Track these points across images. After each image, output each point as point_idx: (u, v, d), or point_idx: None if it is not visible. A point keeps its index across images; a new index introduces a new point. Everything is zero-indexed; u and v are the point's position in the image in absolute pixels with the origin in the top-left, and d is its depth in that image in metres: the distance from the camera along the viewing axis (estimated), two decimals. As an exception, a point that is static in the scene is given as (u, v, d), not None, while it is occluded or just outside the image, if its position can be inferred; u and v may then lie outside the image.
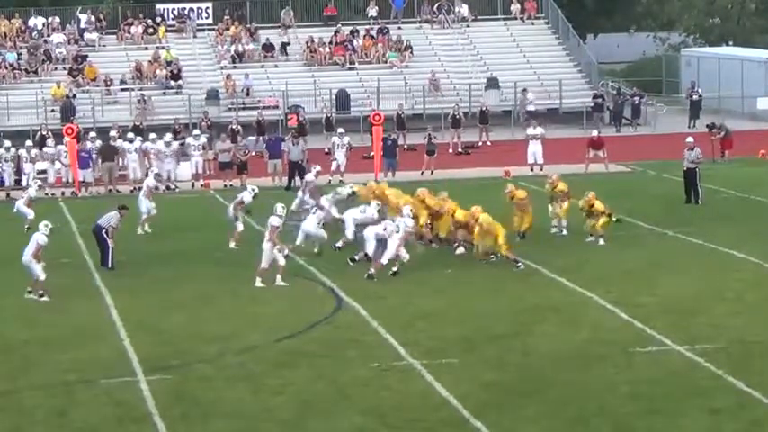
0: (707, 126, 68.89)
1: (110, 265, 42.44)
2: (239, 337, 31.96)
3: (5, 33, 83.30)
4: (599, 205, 44.22)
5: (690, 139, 50.29)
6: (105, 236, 42.63)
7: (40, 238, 38.20)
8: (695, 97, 78.88)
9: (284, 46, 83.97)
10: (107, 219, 43.03)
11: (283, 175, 61.21)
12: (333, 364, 30.11)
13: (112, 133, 64.46)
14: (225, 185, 60.14)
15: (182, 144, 62.87)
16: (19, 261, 38.79)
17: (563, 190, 46.08)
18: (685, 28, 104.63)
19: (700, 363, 30.85)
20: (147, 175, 59.83)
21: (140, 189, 55.59)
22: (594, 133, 65.44)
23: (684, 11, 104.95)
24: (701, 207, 51.52)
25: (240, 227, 45.52)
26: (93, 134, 64.62)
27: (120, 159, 62.25)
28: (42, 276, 37.92)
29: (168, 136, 63.54)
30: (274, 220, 37.99)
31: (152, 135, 63.88)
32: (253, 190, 47.01)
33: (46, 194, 59.41)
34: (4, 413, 28.62)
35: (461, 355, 31.08)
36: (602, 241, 43.89)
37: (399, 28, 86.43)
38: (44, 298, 37.95)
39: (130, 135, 64.07)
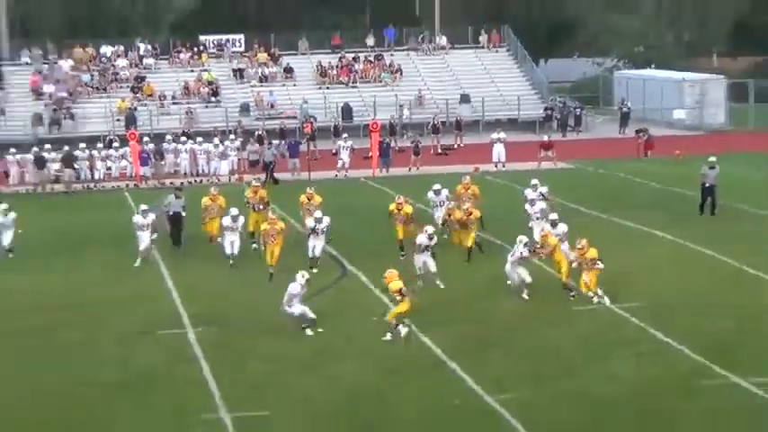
0: (635, 131, 69.25)
1: (182, 245, 41.88)
2: (267, 300, 32.00)
3: (82, 59, 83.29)
4: (593, 252, 33.07)
5: (712, 158, 46.26)
6: (182, 219, 42.15)
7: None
8: (625, 109, 78.85)
9: (299, 69, 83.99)
10: (178, 204, 42.28)
11: (301, 170, 61.88)
12: (341, 320, 30.30)
13: (167, 138, 64.72)
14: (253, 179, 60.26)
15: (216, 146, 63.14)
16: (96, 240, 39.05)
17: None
18: (617, 54, 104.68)
19: (627, 318, 31.09)
20: (196, 174, 60.70)
21: (190, 183, 56.23)
22: (545, 137, 65.52)
23: (616, 41, 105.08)
24: (629, 195, 51.64)
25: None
26: (146, 139, 64.76)
27: (173, 158, 62.58)
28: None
29: (216, 140, 63.91)
30: (294, 288, 30.31)
31: (199, 139, 64.35)
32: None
33: (113, 186, 59.71)
34: (81, 357, 28.84)
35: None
36: (607, 301, 32.68)
37: (392, 55, 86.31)
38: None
39: (183, 139, 64.35)
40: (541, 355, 27.79)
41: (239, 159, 63.26)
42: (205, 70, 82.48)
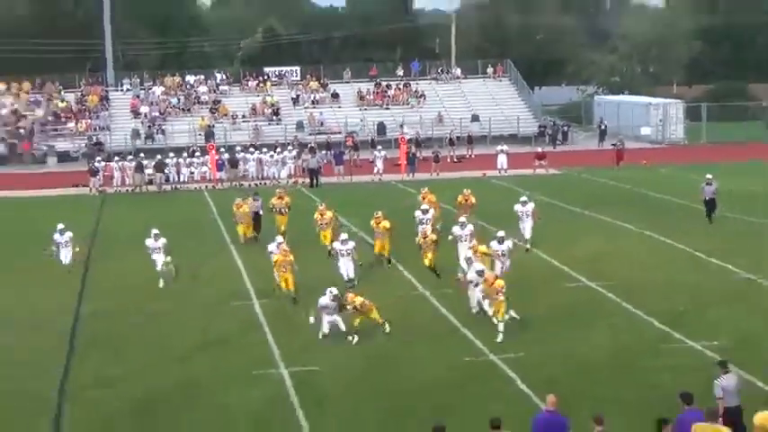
0: (612, 144, 69.11)
1: (259, 235, 40.71)
2: (315, 282, 31.80)
3: (171, 86, 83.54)
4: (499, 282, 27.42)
5: (709, 176, 43.98)
6: (260, 217, 41.54)
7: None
8: (603, 127, 78.68)
9: (344, 94, 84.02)
10: (257, 205, 41.62)
11: (345, 175, 62.07)
12: (371, 293, 30.14)
13: (238, 148, 64.97)
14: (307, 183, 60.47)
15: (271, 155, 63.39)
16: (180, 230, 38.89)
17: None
18: (597, 83, 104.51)
19: (604, 294, 31.02)
20: (261, 178, 60.84)
21: (257, 185, 56.38)
22: (539, 149, 65.48)
23: (596, 72, 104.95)
24: (606, 196, 51.50)
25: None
26: (222, 149, 65.01)
27: (242, 165, 62.83)
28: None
29: (277, 150, 64.28)
30: (323, 300, 26.95)
31: (264, 149, 64.71)
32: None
33: (195, 188, 59.98)
34: (163, 327, 28.88)
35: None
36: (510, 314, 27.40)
37: (417, 83, 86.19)
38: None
39: (251, 149, 64.61)
40: (534, 325, 27.73)
41: (295, 166, 63.38)
42: (268, 95, 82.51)
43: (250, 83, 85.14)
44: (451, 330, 27.62)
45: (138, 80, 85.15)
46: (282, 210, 40.86)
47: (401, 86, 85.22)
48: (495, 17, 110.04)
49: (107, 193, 58.98)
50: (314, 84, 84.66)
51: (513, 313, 27.27)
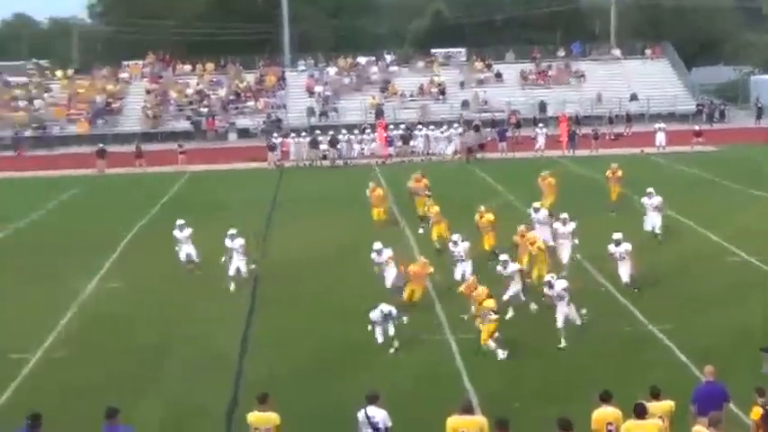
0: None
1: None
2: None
3: (344, 67, 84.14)
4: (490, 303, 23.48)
5: None
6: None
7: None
8: (759, 105, 76.78)
9: (507, 74, 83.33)
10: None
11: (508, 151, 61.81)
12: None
13: (402, 126, 65.30)
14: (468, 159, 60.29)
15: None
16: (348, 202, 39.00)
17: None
18: (753, 63, 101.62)
19: (763, 268, 30.05)
20: (427, 153, 60.89)
21: (422, 160, 56.22)
22: (697, 127, 64.43)
23: (753, 52, 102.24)
24: (764, 173, 50.04)
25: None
26: (392, 126, 65.56)
27: (411, 141, 63.04)
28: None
29: (443, 128, 64.45)
30: (374, 315, 23.70)
31: (431, 126, 65.00)
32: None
33: (366, 162, 60.41)
34: (335, 291, 28.92)
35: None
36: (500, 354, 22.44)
37: (577, 63, 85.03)
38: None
39: (419, 127, 65.06)
40: (691, 297, 27.08)
41: (460, 143, 63.26)
42: (436, 75, 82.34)
43: (418, 63, 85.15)
44: (611, 300, 27.13)
45: (313, 61, 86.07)
46: (420, 192, 38.84)
47: (562, 67, 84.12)
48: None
49: (284, 168, 59.84)
50: (479, 64, 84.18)
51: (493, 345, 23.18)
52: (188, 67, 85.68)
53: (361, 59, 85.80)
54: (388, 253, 28.05)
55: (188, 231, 31.92)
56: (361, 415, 16.36)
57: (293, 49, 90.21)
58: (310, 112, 77.32)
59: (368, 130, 65.41)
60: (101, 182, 57.76)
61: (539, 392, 20.73)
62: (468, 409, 16.10)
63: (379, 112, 74.52)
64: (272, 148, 61.77)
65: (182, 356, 23.82)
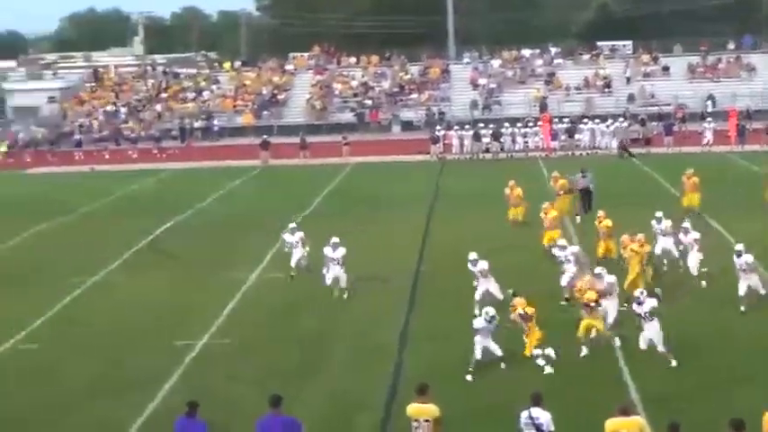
0: None
1: (590, 211, 37.80)
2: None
3: (508, 59, 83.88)
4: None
5: None
6: (591, 193, 39.08)
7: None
8: None
9: (674, 67, 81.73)
10: (586, 181, 39.35)
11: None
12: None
13: (566, 119, 64.79)
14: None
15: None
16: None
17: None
18: None
19: None
20: (592, 147, 60.05)
21: (588, 154, 55.58)
22: None
23: None
24: None
25: None
26: (556, 119, 65.06)
27: (576, 135, 62.46)
28: None
29: (609, 121, 63.65)
30: (478, 323, 22.07)
31: (596, 120, 64.19)
32: None
33: (529, 156, 60.04)
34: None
35: None
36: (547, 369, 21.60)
37: (748, 56, 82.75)
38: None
39: (585, 120, 64.44)
40: None
41: (626, 137, 62.43)
42: (601, 68, 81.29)
43: (583, 56, 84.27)
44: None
45: (477, 54, 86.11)
46: (559, 192, 37.76)
47: (731, 60, 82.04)
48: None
49: (446, 160, 59.93)
50: (645, 57, 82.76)
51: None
52: (353, 60, 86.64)
53: (526, 52, 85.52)
54: (483, 265, 26.01)
55: (299, 235, 30.92)
56: (524, 415, 16.05)
57: (458, 42, 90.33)
58: (474, 104, 77.26)
59: (530, 123, 65.11)
60: (264, 173, 58.74)
61: (701, 391, 20.24)
62: (627, 411, 15.82)
63: (543, 106, 74.03)
64: (435, 140, 61.95)
65: (342, 347, 24.01)
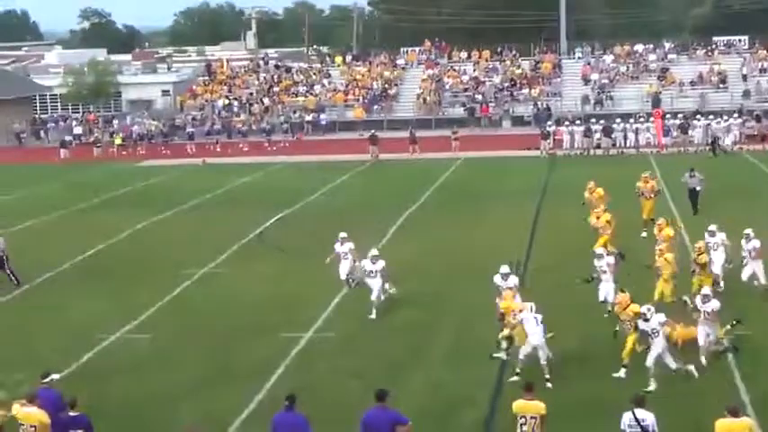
0: None
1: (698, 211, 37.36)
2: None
3: (620, 54, 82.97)
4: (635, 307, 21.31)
5: None
6: (697, 193, 37.94)
7: None
8: None
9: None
10: (695, 182, 38.21)
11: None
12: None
13: (680, 115, 63.96)
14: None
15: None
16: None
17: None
18: None
19: None
20: (706, 144, 59.07)
21: (702, 150, 54.80)
22: None
23: None
24: None
25: None
26: (668, 115, 64.28)
27: (690, 131, 61.56)
28: None
29: (724, 117, 62.75)
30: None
31: (710, 116, 63.31)
32: None
33: (640, 152, 59.34)
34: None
35: None
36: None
37: None
38: None
39: (698, 116, 63.96)
40: None
41: (740, 133, 61.32)
42: (716, 63, 79.89)
43: (698, 52, 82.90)
44: None
45: (590, 49, 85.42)
46: (647, 194, 35.71)
47: None
48: None
49: (556, 156, 59.51)
50: (762, 52, 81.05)
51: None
52: (464, 54, 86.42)
53: (639, 47, 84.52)
54: (514, 280, 24.31)
55: (348, 246, 28.92)
56: (628, 417, 15.81)
57: (570, 37, 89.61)
58: (585, 100, 76.58)
59: (641, 119, 64.33)
60: (373, 167, 58.94)
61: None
62: (737, 412, 15.56)
63: (656, 101, 73.09)
64: (546, 136, 61.54)
65: (445, 340, 24.01)
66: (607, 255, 26.41)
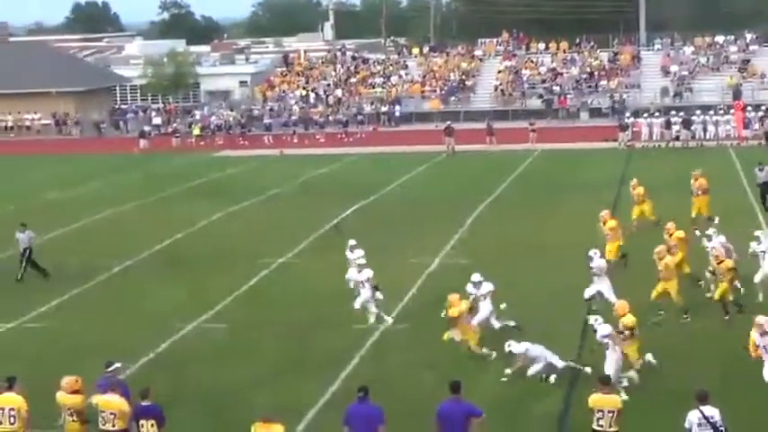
0: None
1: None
2: None
3: (700, 45, 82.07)
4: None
5: None
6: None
7: None
8: None
9: None
10: (762, 176, 37.78)
11: None
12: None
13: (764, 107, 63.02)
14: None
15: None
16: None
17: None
18: None
19: None
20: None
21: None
22: None
23: None
24: None
25: None
26: (749, 108, 63.42)
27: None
28: None
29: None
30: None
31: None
32: None
33: (720, 144, 58.68)
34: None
35: None
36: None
37: None
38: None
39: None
40: None
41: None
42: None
43: None
44: None
45: (669, 40, 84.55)
46: (696, 192, 35.08)
47: None
48: None
49: (634, 148, 59.00)
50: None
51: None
52: (542, 46, 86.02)
53: (720, 38, 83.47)
54: (487, 287, 24.06)
55: (358, 253, 27.52)
56: (695, 415, 15.55)
57: (649, 28, 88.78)
58: (664, 92, 75.83)
59: (721, 111, 63.55)
60: (450, 159, 58.90)
61: None
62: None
63: (737, 93, 72.09)
64: (624, 127, 61.02)
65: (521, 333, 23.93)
66: (599, 257, 25.85)
